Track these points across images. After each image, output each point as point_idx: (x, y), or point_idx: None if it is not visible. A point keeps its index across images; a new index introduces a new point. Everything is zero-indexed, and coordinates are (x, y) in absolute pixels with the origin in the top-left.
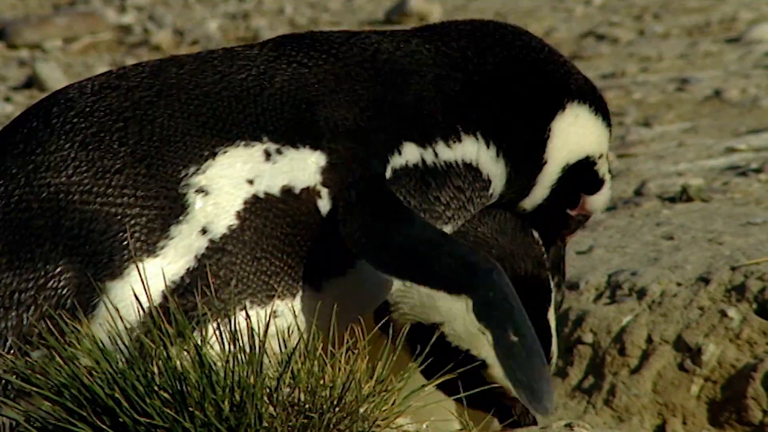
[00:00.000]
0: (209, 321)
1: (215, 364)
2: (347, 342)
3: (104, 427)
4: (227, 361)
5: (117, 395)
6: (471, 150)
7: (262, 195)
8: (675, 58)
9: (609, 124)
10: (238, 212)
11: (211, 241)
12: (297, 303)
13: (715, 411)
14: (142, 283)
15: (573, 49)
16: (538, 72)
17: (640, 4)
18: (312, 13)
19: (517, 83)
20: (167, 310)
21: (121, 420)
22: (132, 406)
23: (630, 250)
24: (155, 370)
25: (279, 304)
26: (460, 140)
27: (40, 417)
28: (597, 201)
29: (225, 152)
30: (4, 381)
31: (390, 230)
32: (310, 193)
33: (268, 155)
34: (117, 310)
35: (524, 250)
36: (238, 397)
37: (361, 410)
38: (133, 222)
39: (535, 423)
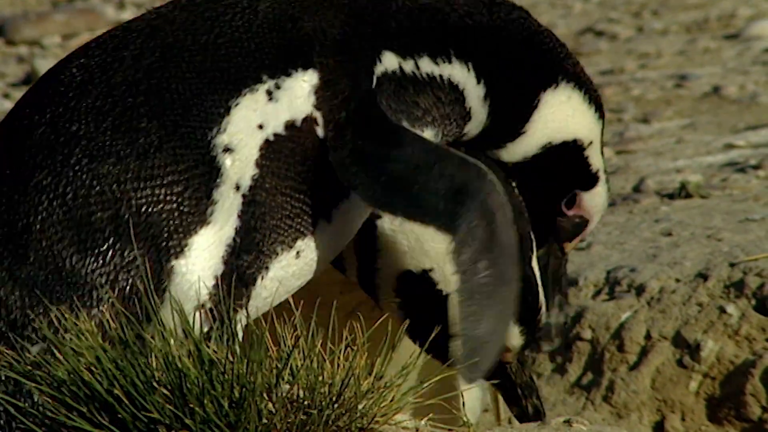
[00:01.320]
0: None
1: (215, 359)
2: (346, 339)
3: (103, 422)
4: (226, 357)
5: (117, 391)
6: (459, 74)
7: (272, 138)
8: (673, 54)
9: (602, 116)
10: (257, 160)
11: (243, 195)
12: (314, 239)
13: (714, 407)
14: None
15: (571, 46)
16: (540, 42)
17: (639, 0)
18: None
19: (519, 41)
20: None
21: (120, 416)
22: (132, 402)
23: (629, 247)
24: (155, 365)
25: (300, 244)
26: (449, 61)
27: (39, 413)
28: (593, 200)
29: (237, 104)
30: (3, 376)
31: (380, 156)
32: (308, 122)
33: (270, 95)
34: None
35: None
36: (237, 394)
37: (360, 406)
38: (183, 197)
39: (538, 418)
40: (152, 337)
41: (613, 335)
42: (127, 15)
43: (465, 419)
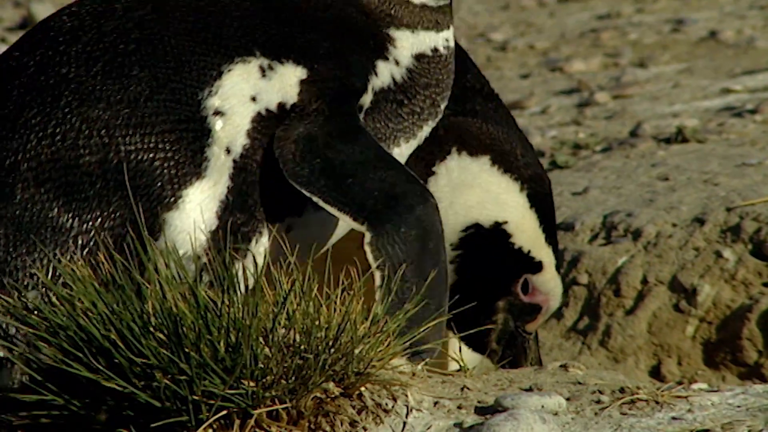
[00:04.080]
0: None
1: (211, 304)
2: (342, 283)
3: (100, 367)
4: (222, 302)
5: (113, 336)
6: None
7: (264, 112)
8: None
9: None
10: (248, 131)
11: (234, 161)
12: (304, 219)
13: (710, 352)
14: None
15: None
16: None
17: None
18: None
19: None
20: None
21: (116, 361)
22: (128, 347)
23: (625, 191)
24: (150, 311)
25: (291, 221)
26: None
27: (36, 358)
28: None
29: (230, 70)
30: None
31: (327, 143)
32: (297, 110)
33: (263, 71)
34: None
35: None
36: (233, 338)
37: (357, 351)
38: (175, 148)
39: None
40: (148, 282)
41: (610, 280)
42: None
43: (461, 363)
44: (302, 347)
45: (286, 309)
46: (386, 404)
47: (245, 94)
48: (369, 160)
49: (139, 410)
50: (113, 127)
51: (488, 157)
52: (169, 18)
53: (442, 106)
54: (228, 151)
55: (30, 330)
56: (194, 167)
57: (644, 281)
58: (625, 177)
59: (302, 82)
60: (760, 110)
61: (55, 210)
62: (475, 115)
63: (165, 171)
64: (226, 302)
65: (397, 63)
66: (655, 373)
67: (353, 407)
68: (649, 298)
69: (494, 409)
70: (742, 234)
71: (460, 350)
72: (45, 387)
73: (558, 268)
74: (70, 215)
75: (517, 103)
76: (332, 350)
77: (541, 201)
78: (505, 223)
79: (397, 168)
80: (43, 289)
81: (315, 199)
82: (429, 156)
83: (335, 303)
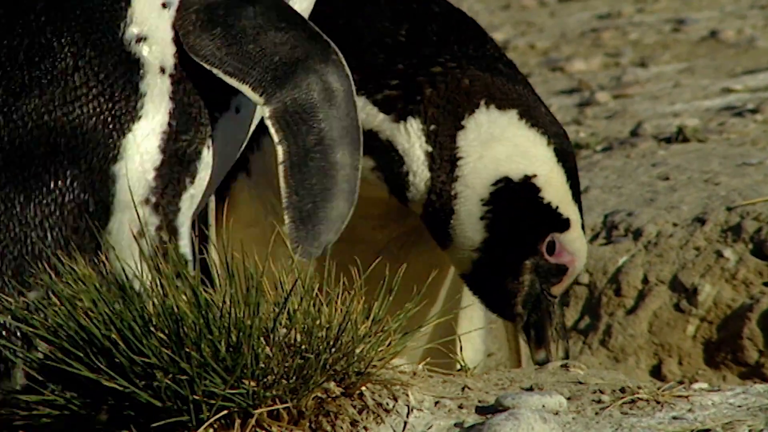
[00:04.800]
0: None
1: (212, 303)
2: (343, 282)
3: (101, 367)
4: (224, 302)
5: (114, 335)
6: None
7: (174, 13)
8: None
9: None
10: (173, 38)
11: (171, 76)
12: (229, 119)
13: (711, 351)
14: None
15: None
16: None
17: None
18: None
19: None
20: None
21: (117, 360)
22: (129, 347)
23: (626, 191)
24: (152, 310)
25: (237, 99)
26: None
27: (37, 358)
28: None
29: None
30: (1, 321)
31: (227, 7)
32: None
33: None
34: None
35: None
36: (234, 338)
37: (358, 351)
38: (110, 104)
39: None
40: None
41: (611, 279)
42: None
43: (462, 364)
44: (303, 347)
45: (287, 308)
46: (387, 404)
47: (156, 5)
48: (270, 20)
49: (139, 410)
50: (53, 110)
51: (516, 111)
52: None
53: None
54: (162, 70)
55: (31, 330)
56: (129, 112)
57: (645, 281)
58: (626, 176)
59: None
60: (760, 110)
61: (19, 207)
62: (500, 74)
63: (105, 130)
64: (227, 302)
65: None
66: (656, 372)
67: (354, 407)
68: (650, 298)
69: (495, 408)
70: (742, 233)
71: (461, 349)
72: (45, 386)
73: (583, 227)
74: (33, 209)
75: None
76: (333, 350)
77: (567, 157)
78: (534, 176)
79: (298, 26)
80: (44, 289)
81: (215, 71)
82: (458, 110)
83: (336, 302)
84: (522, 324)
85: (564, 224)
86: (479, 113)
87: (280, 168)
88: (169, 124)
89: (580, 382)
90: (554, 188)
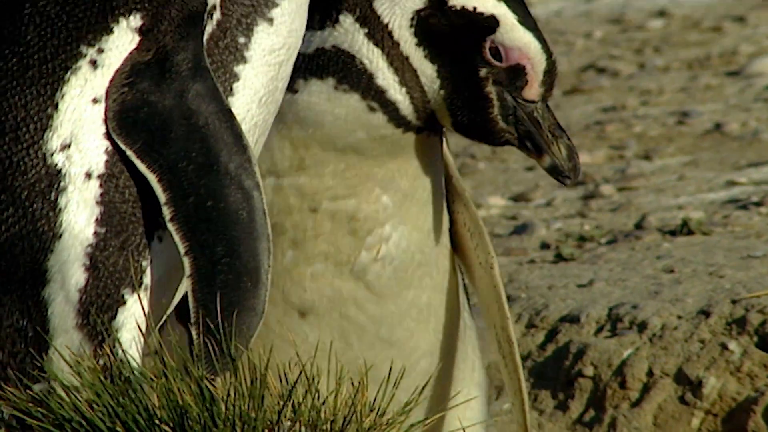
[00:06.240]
0: None
1: (217, 396)
2: (348, 377)
3: None
4: (228, 395)
5: (118, 428)
6: None
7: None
8: (675, 91)
9: None
10: (103, 135)
11: (99, 177)
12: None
13: None
14: None
15: (573, 83)
16: None
17: (641, 37)
18: None
19: None
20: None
21: None
22: None
23: (631, 283)
24: (156, 403)
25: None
26: None
27: None
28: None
29: (62, 96)
30: (5, 414)
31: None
32: None
33: (93, 64)
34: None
35: None
36: (239, 431)
37: None
38: (30, 224)
39: (572, 160)
40: (153, 375)
41: (615, 372)
42: None
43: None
44: None
45: (291, 401)
46: None
47: (87, 100)
48: (199, 110)
49: None
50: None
51: None
52: None
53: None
54: (88, 175)
55: (36, 423)
56: (50, 230)
57: (650, 373)
58: (631, 269)
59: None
60: (765, 203)
61: None
62: None
63: (24, 255)
64: (232, 395)
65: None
66: None
67: None
68: (655, 391)
69: None
70: (747, 326)
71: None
72: None
73: (521, 19)
74: None
75: (522, 195)
76: None
77: None
78: None
79: (224, 127)
80: (48, 383)
81: (124, 148)
82: None
83: (341, 395)
84: (515, 140)
85: (491, 22)
86: None
87: (188, 282)
88: (96, 232)
89: None
90: None
